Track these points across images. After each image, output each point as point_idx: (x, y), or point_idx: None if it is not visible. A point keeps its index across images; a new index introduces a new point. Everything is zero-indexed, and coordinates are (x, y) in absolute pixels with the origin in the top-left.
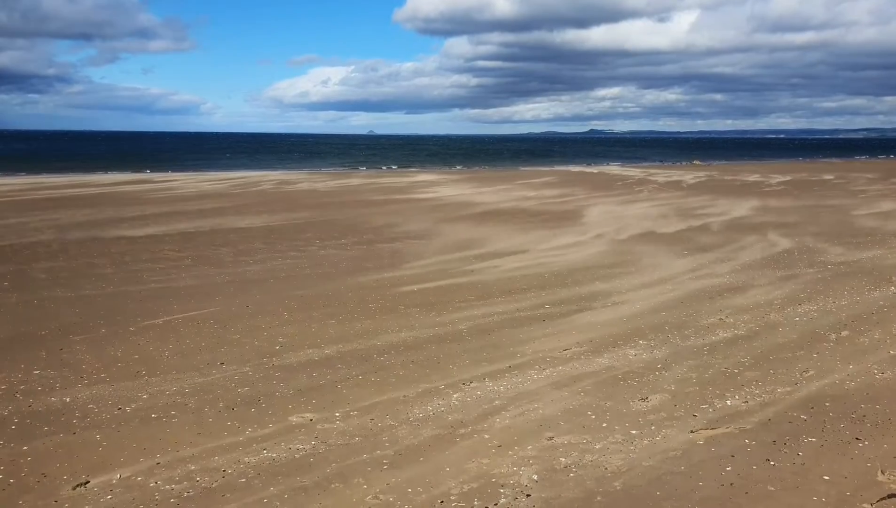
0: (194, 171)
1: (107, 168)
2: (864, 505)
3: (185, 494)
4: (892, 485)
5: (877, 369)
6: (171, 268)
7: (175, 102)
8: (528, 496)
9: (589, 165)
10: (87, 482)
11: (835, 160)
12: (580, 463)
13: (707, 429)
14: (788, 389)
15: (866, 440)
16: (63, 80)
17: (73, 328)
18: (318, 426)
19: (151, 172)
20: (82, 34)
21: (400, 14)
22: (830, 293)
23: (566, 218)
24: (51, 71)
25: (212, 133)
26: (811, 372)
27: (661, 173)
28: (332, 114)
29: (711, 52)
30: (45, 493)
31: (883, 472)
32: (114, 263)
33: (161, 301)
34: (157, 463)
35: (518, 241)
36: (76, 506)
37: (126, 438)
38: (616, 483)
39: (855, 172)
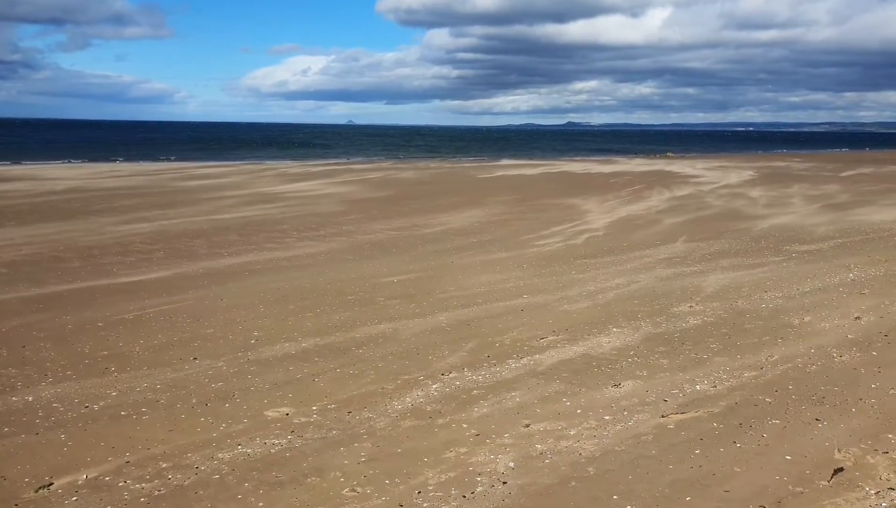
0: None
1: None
2: (822, 483)
3: (156, 493)
4: (847, 462)
5: (836, 352)
6: (142, 261)
7: (147, 90)
8: (504, 483)
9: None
10: (51, 483)
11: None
12: (555, 450)
13: (677, 414)
14: (755, 373)
15: (825, 420)
16: (28, 65)
17: (37, 325)
18: (295, 421)
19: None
20: (52, 19)
21: (382, 5)
22: (794, 280)
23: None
24: (15, 57)
25: (188, 123)
26: (776, 357)
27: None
28: (310, 103)
29: (683, 48)
30: (6, 497)
31: (839, 451)
32: (81, 256)
33: (131, 295)
34: (127, 462)
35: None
36: None
37: (93, 437)
38: (590, 468)
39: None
